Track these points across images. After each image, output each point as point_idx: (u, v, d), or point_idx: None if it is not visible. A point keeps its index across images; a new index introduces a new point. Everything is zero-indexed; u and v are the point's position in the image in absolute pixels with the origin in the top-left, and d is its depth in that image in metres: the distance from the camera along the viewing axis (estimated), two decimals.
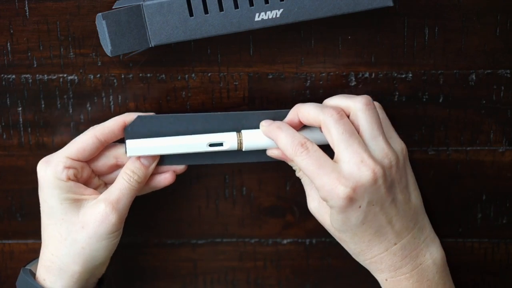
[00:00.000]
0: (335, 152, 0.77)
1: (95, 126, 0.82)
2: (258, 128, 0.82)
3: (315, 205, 0.82)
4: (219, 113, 0.82)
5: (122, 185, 0.81)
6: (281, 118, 0.82)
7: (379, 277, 0.82)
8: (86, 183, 0.83)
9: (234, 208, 0.90)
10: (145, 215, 0.90)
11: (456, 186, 0.88)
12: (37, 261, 0.84)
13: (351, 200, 0.76)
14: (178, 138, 0.81)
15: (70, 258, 0.81)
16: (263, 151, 0.82)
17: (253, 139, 0.81)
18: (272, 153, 0.82)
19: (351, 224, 0.78)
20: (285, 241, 0.91)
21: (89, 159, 0.83)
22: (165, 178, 0.84)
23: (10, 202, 0.89)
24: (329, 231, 0.81)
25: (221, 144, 0.81)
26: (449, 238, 0.90)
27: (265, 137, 0.81)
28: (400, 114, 0.86)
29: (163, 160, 0.83)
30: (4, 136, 0.87)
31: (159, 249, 0.91)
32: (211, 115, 0.82)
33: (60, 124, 0.86)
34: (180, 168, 0.84)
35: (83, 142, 0.81)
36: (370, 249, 0.80)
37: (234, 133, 0.81)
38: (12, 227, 0.90)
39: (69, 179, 0.81)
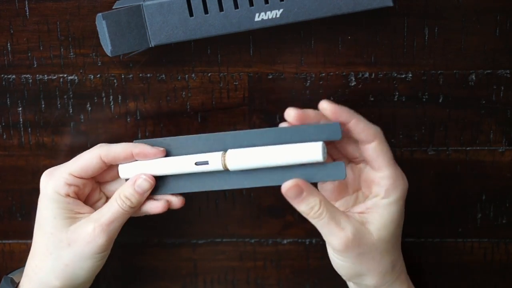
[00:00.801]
0: (386, 165, 0.78)
1: (102, 144, 0.82)
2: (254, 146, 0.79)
3: (351, 232, 0.78)
4: (221, 133, 0.80)
5: (115, 209, 0.80)
6: (274, 137, 0.78)
7: None
8: (87, 196, 0.83)
9: (234, 208, 0.90)
10: (146, 215, 0.90)
11: (456, 186, 0.88)
12: (22, 270, 0.84)
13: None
14: (166, 159, 0.80)
15: (52, 273, 0.81)
16: (254, 175, 0.79)
17: (238, 159, 0.78)
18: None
19: (402, 222, 0.81)
20: (285, 241, 0.91)
21: (93, 176, 0.83)
22: (156, 206, 0.82)
23: (10, 202, 0.89)
24: (370, 252, 0.79)
25: (206, 163, 0.79)
26: (449, 238, 0.90)
27: (251, 157, 0.78)
28: (400, 114, 0.86)
29: (156, 188, 0.82)
30: (4, 136, 0.87)
31: (159, 249, 0.91)
32: (204, 136, 0.80)
33: (60, 124, 0.86)
34: (177, 203, 0.82)
35: (86, 160, 0.81)
36: (400, 255, 0.82)
37: (220, 153, 0.79)
38: (12, 227, 0.90)
39: (68, 195, 0.81)
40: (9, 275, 0.85)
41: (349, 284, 0.84)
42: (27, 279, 0.83)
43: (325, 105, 0.77)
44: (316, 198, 0.77)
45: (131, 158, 0.81)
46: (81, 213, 0.82)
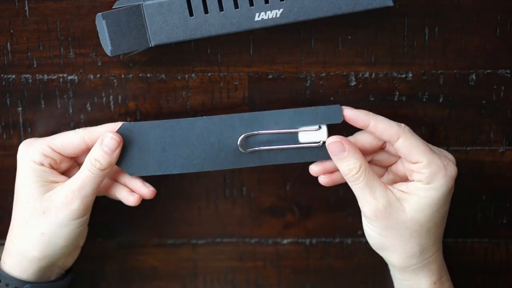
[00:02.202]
0: (421, 156, 0.79)
1: (87, 127, 0.82)
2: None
3: (382, 204, 0.79)
4: (212, 116, 0.82)
5: (85, 173, 0.80)
6: (276, 120, 0.81)
7: (427, 281, 0.82)
8: (64, 172, 0.83)
9: (234, 208, 0.90)
10: (145, 215, 0.90)
11: (456, 186, 0.88)
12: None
13: (454, 182, 0.80)
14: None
15: (29, 243, 0.81)
16: (265, 154, 0.82)
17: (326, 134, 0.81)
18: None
19: (443, 211, 0.81)
20: (285, 241, 0.91)
21: (72, 156, 0.83)
22: (127, 199, 0.83)
23: (9, 202, 0.89)
24: (398, 229, 0.80)
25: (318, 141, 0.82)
26: (449, 238, 0.90)
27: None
28: (400, 114, 0.86)
29: (159, 167, 0.82)
30: (4, 136, 0.87)
31: (159, 249, 0.91)
32: (203, 119, 0.82)
33: (60, 124, 0.86)
34: (148, 194, 0.83)
35: (68, 139, 0.82)
36: (435, 244, 0.82)
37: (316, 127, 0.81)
38: None
39: (42, 165, 0.81)
40: None
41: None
42: (6, 252, 0.83)
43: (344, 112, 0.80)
44: (357, 161, 0.79)
45: None
46: (56, 182, 0.81)
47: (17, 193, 0.82)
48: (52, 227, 0.80)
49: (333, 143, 0.80)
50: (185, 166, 0.82)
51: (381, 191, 0.79)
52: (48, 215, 0.80)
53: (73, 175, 0.83)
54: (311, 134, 0.81)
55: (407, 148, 0.79)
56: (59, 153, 0.82)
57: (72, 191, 0.80)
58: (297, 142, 0.81)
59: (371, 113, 0.80)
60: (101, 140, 0.80)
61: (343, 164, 0.79)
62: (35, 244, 0.81)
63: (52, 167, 0.82)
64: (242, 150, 0.81)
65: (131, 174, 0.82)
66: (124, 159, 0.82)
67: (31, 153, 0.81)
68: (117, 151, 0.81)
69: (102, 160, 0.80)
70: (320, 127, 0.81)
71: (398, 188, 0.80)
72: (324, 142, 0.81)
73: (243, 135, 0.81)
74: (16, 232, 0.82)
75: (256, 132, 0.81)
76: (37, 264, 0.82)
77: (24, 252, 0.81)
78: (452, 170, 0.80)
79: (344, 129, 0.83)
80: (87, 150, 0.82)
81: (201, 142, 0.81)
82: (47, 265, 0.82)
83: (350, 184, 0.80)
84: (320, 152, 0.81)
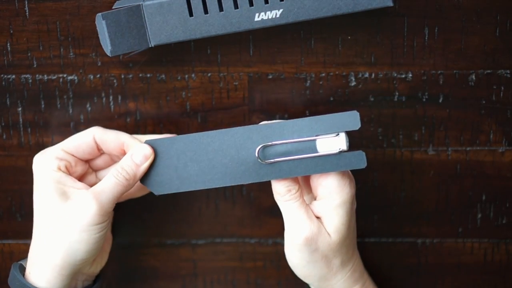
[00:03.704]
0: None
1: (99, 127, 0.82)
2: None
3: (317, 227, 0.79)
4: (238, 128, 0.80)
5: (109, 179, 0.80)
6: (294, 129, 0.79)
7: None
8: (81, 178, 0.83)
9: (234, 208, 0.90)
10: (145, 215, 0.90)
11: (456, 186, 0.88)
12: None
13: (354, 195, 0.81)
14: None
15: (50, 250, 0.80)
16: (280, 166, 0.79)
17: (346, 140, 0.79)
18: None
19: (353, 224, 0.81)
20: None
21: (86, 159, 0.83)
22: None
23: (10, 202, 0.89)
24: (323, 251, 0.80)
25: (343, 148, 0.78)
26: (449, 238, 0.90)
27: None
28: (400, 114, 0.86)
29: (182, 184, 0.81)
30: (4, 136, 0.87)
31: (159, 249, 0.91)
32: (229, 131, 0.80)
33: (60, 124, 0.86)
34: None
35: (79, 138, 0.82)
36: (353, 254, 0.83)
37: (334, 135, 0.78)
38: (12, 227, 0.90)
39: (59, 169, 0.81)
40: (19, 262, 0.84)
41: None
42: (30, 262, 0.82)
43: None
44: (296, 182, 0.79)
45: (120, 148, 0.82)
46: (75, 188, 0.81)
47: (36, 204, 0.81)
48: (71, 232, 0.79)
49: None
50: (207, 182, 0.80)
51: (311, 214, 0.79)
52: (67, 221, 0.79)
53: (89, 182, 0.83)
54: (329, 142, 0.78)
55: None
56: (72, 155, 0.82)
57: (91, 195, 0.79)
58: (315, 151, 0.78)
59: None
60: (133, 151, 0.80)
61: (283, 184, 0.79)
62: (56, 252, 0.80)
63: (68, 171, 0.81)
64: (260, 162, 0.79)
65: (156, 192, 0.81)
66: (148, 177, 0.81)
67: (46, 161, 0.81)
68: (145, 165, 0.80)
69: (129, 169, 0.80)
70: (338, 135, 0.78)
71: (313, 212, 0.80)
72: (343, 150, 0.78)
73: (260, 145, 0.78)
74: (38, 240, 0.81)
75: (273, 142, 0.78)
76: (60, 273, 0.81)
77: (47, 260, 0.80)
78: (353, 185, 0.80)
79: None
80: (98, 152, 0.82)
81: (221, 155, 0.79)
82: (70, 273, 0.81)
83: (286, 204, 0.79)
84: (339, 161, 0.78)
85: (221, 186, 0.80)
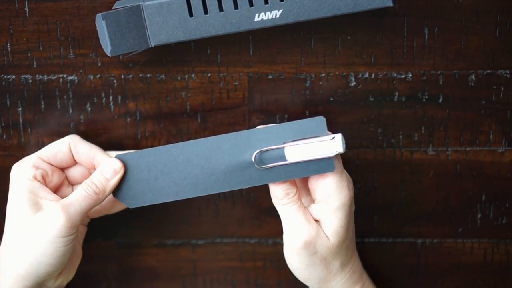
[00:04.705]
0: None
1: (76, 135, 0.83)
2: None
3: (315, 230, 0.79)
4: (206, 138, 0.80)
5: (78, 192, 0.80)
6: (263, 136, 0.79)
7: None
8: (57, 190, 0.83)
9: (234, 208, 0.90)
10: (145, 216, 0.90)
11: (456, 186, 0.88)
12: None
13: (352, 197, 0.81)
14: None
15: (15, 260, 0.80)
16: (273, 171, 0.79)
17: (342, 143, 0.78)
18: None
19: (351, 227, 0.81)
20: None
21: (63, 167, 0.83)
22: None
23: None
24: (322, 254, 0.80)
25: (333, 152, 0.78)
26: (449, 238, 0.90)
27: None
28: (400, 114, 0.86)
29: (155, 196, 0.81)
30: (4, 136, 0.87)
31: (159, 249, 0.91)
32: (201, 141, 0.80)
33: (60, 124, 0.86)
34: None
35: (55, 145, 0.82)
36: (352, 255, 0.83)
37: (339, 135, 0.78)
38: None
39: (35, 178, 0.81)
40: None
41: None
42: None
43: None
44: (294, 185, 0.79)
45: (90, 161, 0.82)
46: (48, 200, 0.80)
47: (8, 212, 0.81)
48: (37, 244, 0.79)
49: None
50: (179, 193, 0.81)
51: (310, 217, 0.79)
52: (35, 232, 0.79)
53: (65, 194, 0.83)
54: (325, 145, 0.77)
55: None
56: (49, 163, 0.82)
57: (59, 207, 0.79)
58: (285, 159, 0.78)
59: None
60: (103, 166, 0.81)
61: (281, 188, 0.79)
62: (21, 262, 0.79)
63: (44, 180, 0.81)
64: (257, 167, 0.78)
65: (129, 206, 0.82)
66: (121, 191, 0.82)
67: (23, 170, 0.81)
68: (115, 179, 0.81)
69: (98, 183, 0.80)
70: (334, 138, 0.77)
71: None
72: (339, 153, 0.77)
73: (257, 151, 0.78)
74: (6, 249, 0.81)
75: (268, 147, 0.78)
76: (23, 283, 0.80)
77: (10, 271, 0.80)
78: (351, 188, 0.80)
79: None
80: (73, 160, 0.83)
81: (191, 166, 0.80)
82: (33, 285, 0.81)
83: (284, 207, 0.79)
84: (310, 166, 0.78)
85: (193, 196, 0.80)
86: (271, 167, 0.78)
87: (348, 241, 0.81)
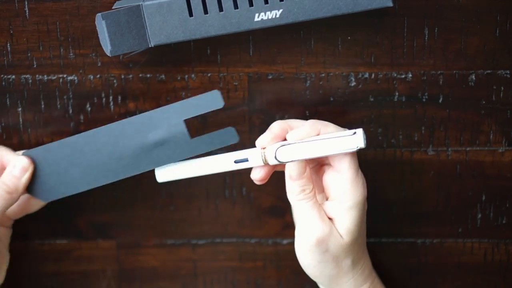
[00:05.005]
0: (344, 166, 0.79)
1: (3, 147, 0.83)
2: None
3: (329, 229, 0.79)
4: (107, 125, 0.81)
5: None
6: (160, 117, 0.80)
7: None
8: None
9: (234, 208, 0.90)
10: (145, 216, 0.90)
11: (456, 186, 0.88)
12: None
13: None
14: (203, 159, 0.80)
15: None
16: None
17: (287, 153, 0.78)
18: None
19: (364, 226, 0.82)
20: (285, 241, 0.91)
21: None
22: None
23: None
24: (336, 252, 0.80)
25: (246, 160, 0.80)
26: (449, 238, 0.90)
27: (298, 151, 0.78)
28: (400, 114, 0.86)
29: (67, 188, 0.82)
30: (4, 136, 0.87)
31: (159, 249, 0.91)
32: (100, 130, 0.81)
33: (60, 124, 0.86)
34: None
35: None
36: (363, 253, 0.83)
37: (259, 149, 0.79)
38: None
39: None
40: None
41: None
42: None
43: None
44: (310, 182, 0.79)
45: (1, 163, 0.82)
46: None
47: None
48: None
49: (298, 163, 0.78)
50: (91, 182, 0.81)
51: (324, 214, 0.79)
52: None
53: None
54: (347, 141, 0.77)
55: (342, 156, 0.79)
56: None
57: None
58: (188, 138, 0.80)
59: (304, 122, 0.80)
60: (11, 165, 0.80)
61: (298, 183, 0.79)
62: None
63: None
64: (276, 161, 0.79)
65: (43, 200, 0.82)
66: (34, 186, 0.82)
67: None
68: (26, 177, 0.81)
69: (10, 183, 0.80)
70: (355, 133, 0.77)
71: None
72: (361, 148, 0.77)
73: (280, 145, 0.79)
74: None
75: (289, 143, 0.78)
76: None
77: None
78: (365, 188, 0.80)
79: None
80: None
81: (99, 154, 0.81)
82: None
83: (299, 203, 0.79)
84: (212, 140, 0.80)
85: (105, 183, 0.81)
86: (292, 162, 0.78)
87: (360, 239, 0.81)
